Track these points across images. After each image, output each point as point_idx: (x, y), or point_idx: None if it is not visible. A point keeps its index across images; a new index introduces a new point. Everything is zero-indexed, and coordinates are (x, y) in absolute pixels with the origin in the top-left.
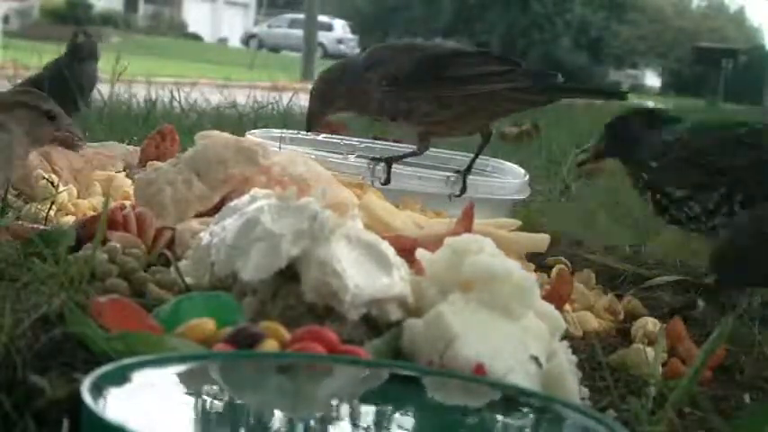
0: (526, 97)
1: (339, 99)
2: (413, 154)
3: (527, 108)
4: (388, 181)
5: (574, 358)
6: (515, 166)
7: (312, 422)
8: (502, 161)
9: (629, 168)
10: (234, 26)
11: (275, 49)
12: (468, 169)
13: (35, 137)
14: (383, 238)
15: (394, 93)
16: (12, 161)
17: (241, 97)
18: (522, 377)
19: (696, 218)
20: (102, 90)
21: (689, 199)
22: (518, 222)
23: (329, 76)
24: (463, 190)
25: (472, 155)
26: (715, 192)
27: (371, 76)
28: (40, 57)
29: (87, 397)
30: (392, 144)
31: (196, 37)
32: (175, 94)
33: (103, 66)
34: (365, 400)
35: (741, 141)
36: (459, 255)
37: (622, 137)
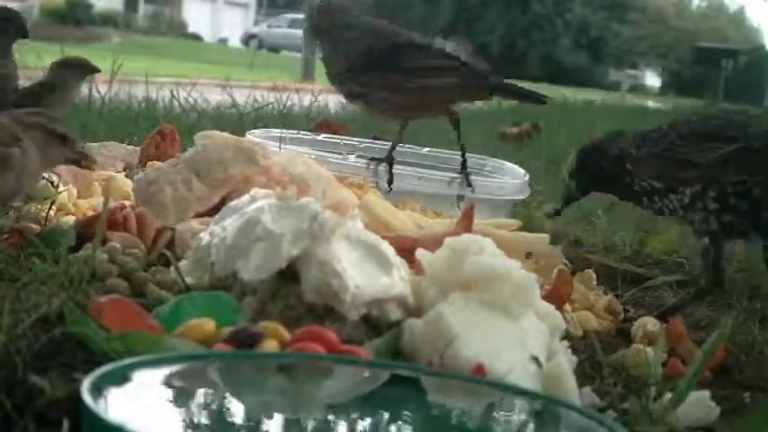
0: (469, 92)
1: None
2: (397, 142)
3: (470, 101)
4: (391, 181)
5: (574, 358)
6: (515, 166)
7: (312, 422)
8: (502, 161)
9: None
10: (234, 26)
11: (275, 49)
12: (465, 165)
13: (47, 158)
14: (383, 238)
15: (350, 76)
16: (24, 178)
17: (241, 97)
18: (522, 377)
19: (675, 211)
20: (102, 90)
21: (668, 192)
22: (518, 222)
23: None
24: (470, 186)
25: (471, 155)
26: (689, 187)
27: (334, 55)
28: (40, 57)
29: (87, 397)
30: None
31: (196, 37)
32: (175, 93)
33: (101, 65)
34: (365, 400)
35: (715, 135)
36: (459, 255)
37: (592, 172)
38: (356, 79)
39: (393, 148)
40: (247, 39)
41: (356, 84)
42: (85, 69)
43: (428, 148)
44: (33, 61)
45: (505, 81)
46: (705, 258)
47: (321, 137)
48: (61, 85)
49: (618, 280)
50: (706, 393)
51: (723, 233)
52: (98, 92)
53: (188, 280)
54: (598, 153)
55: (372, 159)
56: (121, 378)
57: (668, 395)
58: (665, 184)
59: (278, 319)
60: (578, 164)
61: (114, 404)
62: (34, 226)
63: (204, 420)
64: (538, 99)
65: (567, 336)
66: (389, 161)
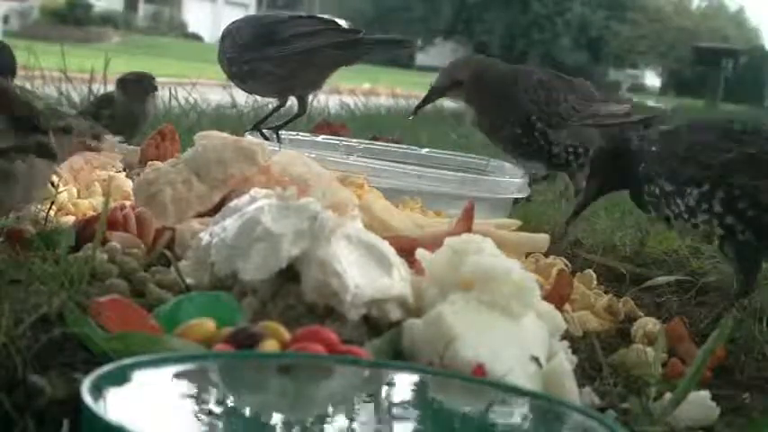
0: (340, 52)
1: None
2: (277, 109)
3: (348, 62)
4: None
5: (574, 358)
6: (515, 165)
7: (312, 423)
8: (501, 161)
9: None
10: None
11: None
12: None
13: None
14: (383, 238)
15: (238, 58)
16: (30, 190)
17: (241, 97)
18: (522, 377)
19: (680, 215)
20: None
21: (676, 194)
22: (518, 222)
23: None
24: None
25: (473, 156)
26: (698, 188)
27: (222, 46)
28: (40, 57)
29: (87, 397)
30: (391, 145)
31: (196, 37)
32: (175, 93)
33: (100, 65)
34: (365, 400)
35: (729, 137)
36: (459, 255)
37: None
38: (242, 59)
39: (270, 115)
40: None
41: (244, 63)
42: (145, 85)
43: (427, 149)
44: (33, 62)
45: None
46: (736, 262)
47: (320, 138)
48: (119, 100)
49: (618, 280)
50: (706, 393)
51: (727, 236)
52: (92, 92)
53: (188, 280)
54: (612, 152)
55: (254, 129)
56: (121, 378)
57: (668, 395)
58: (675, 185)
59: (278, 319)
60: (593, 163)
61: (114, 404)
62: (31, 228)
63: (204, 420)
64: (404, 44)
65: (567, 336)
66: (276, 130)
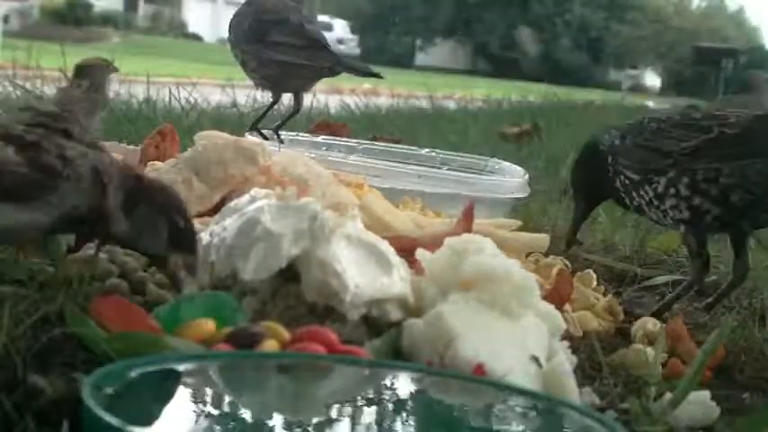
0: (316, 69)
1: None
2: (271, 106)
3: (320, 77)
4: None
5: (574, 358)
6: (515, 165)
7: (312, 422)
8: (501, 161)
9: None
10: None
11: None
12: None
13: None
14: (383, 238)
15: (236, 44)
16: None
17: (241, 97)
18: (522, 377)
19: (650, 203)
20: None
21: (644, 183)
22: (518, 222)
23: None
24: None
25: (473, 156)
26: (663, 176)
27: (229, 24)
28: (40, 57)
29: (87, 397)
30: (391, 145)
31: (196, 37)
32: (175, 93)
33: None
34: (365, 400)
35: (690, 125)
36: (459, 255)
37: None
38: (239, 48)
39: (263, 116)
40: None
41: (240, 52)
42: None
43: (427, 149)
44: (35, 61)
45: (342, 58)
46: (688, 248)
47: (320, 138)
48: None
49: (618, 280)
50: (706, 393)
51: (695, 219)
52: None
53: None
54: (587, 162)
55: (252, 128)
56: (121, 378)
57: (668, 395)
58: (641, 176)
59: (278, 319)
60: (573, 180)
61: (114, 404)
62: None
63: (204, 420)
64: (370, 74)
65: (567, 336)
66: (257, 128)
